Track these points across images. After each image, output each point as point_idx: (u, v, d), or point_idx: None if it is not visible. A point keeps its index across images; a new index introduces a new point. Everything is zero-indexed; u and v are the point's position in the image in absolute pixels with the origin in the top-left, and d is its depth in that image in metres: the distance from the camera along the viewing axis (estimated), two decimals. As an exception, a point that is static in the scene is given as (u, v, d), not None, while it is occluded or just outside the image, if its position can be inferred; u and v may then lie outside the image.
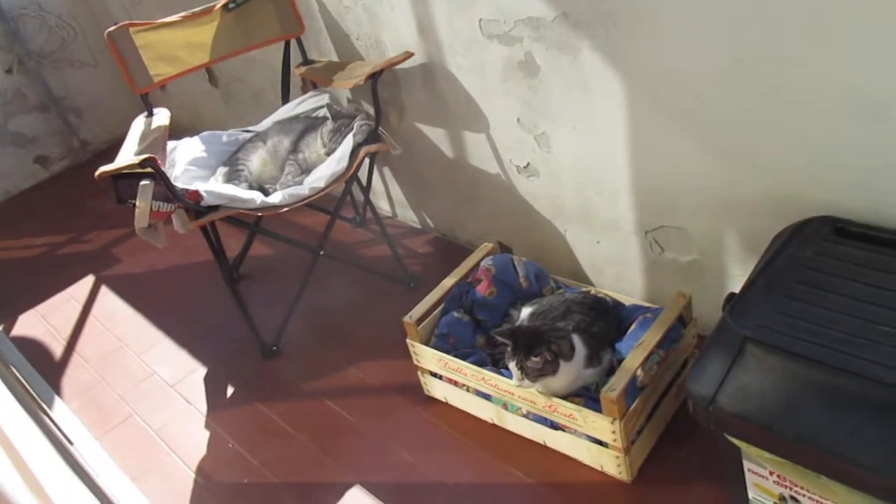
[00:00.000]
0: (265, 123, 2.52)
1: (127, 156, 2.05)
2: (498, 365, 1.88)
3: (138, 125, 2.30)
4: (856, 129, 1.39)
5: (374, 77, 2.17)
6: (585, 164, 1.97)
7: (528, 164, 2.13)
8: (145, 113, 2.35)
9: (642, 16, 1.59)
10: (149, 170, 1.91)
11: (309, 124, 2.38)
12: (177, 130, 2.38)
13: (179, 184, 2.15)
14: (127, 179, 1.97)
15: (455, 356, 1.88)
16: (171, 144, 2.39)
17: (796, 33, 1.37)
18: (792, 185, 1.56)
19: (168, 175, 2.00)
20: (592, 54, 1.75)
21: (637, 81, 1.71)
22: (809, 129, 1.46)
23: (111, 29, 2.22)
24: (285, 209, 2.13)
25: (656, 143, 1.76)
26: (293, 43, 2.51)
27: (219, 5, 2.39)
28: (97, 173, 1.90)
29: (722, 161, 1.66)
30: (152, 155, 1.90)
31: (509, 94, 2.02)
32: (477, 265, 2.10)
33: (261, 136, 2.41)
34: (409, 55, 2.18)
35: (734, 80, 1.51)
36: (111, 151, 2.50)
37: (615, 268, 2.13)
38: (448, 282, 2.07)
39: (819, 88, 1.40)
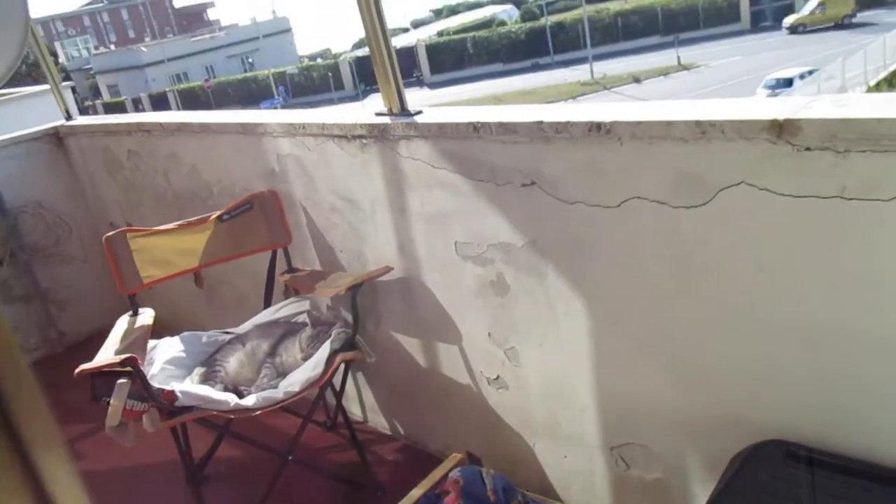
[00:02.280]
0: (246, 326, 2.61)
1: (108, 354, 2.11)
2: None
3: (122, 324, 2.37)
4: (802, 354, 1.51)
5: (354, 288, 2.30)
6: (552, 380, 2.06)
7: (498, 376, 2.21)
8: (130, 312, 2.44)
9: (601, 246, 1.76)
10: (128, 369, 1.96)
11: (288, 329, 2.47)
12: (158, 327, 2.46)
13: (155, 383, 2.18)
14: (104, 377, 2.01)
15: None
16: (151, 343, 2.45)
17: (742, 268, 1.53)
18: (745, 407, 1.64)
19: (145, 374, 2.05)
20: (557, 278, 1.90)
21: (598, 304, 1.84)
22: (758, 353, 1.58)
23: (110, 234, 2.36)
24: (258, 412, 2.16)
25: (617, 362, 1.87)
26: (280, 251, 2.66)
27: (214, 216, 2.57)
28: (77, 371, 1.94)
29: (679, 382, 1.75)
30: (133, 355, 1.96)
31: (481, 310, 2.14)
32: (445, 476, 2.11)
33: (240, 339, 2.48)
34: (388, 269, 2.33)
35: (685, 306, 1.65)
36: (87, 344, 2.55)
37: (582, 482, 2.15)
38: (416, 492, 2.06)
39: (765, 316, 1.54)
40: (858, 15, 36.38)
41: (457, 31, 49.90)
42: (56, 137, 3.91)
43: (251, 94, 43.19)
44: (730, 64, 32.16)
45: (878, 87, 18.40)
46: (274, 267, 2.69)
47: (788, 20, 37.04)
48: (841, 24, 34.82)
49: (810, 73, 20.97)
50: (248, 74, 47.92)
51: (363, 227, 2.41)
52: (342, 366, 2.37)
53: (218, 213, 2.59)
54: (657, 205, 1.61)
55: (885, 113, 1.29)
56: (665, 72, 32.97)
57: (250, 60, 50.80)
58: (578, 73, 36.06)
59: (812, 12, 36.43)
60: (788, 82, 21.24)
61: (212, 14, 76.10)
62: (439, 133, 1.99)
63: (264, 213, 2.62)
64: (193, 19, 71.33)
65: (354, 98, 38.44)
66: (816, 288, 1.45)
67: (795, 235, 1.45)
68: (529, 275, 1.96)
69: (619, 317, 1.81)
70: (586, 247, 1.80)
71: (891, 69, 19.53)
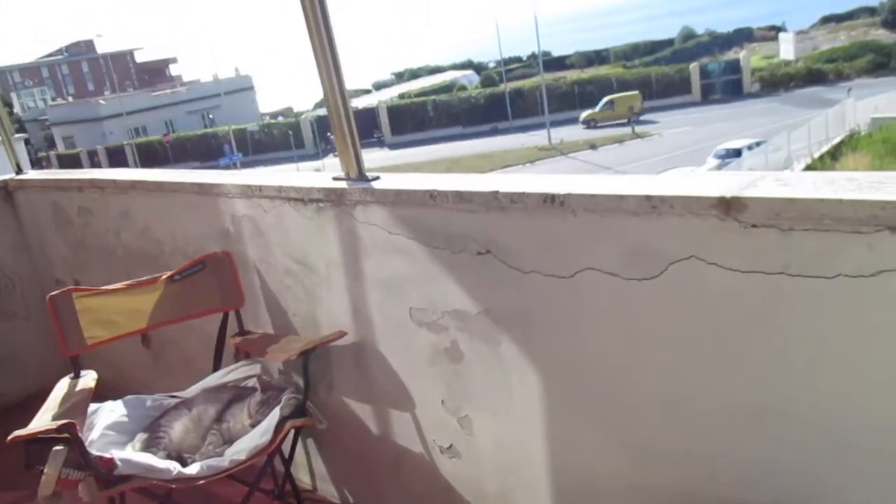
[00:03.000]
0: (193, 390, 2.54)
1: (45, 418, 2.02)
2: None
3: (62, 386, 2.28)
4: (754, 430, 1.52)
5: (306, 353, 2.26)
6: (506, 450, 2.03)
7: (451, 445, 2.18)
8: (72, 374, 2.35)
9: (555, 316, 1.76)
10: (65, 435, 1.88)
11: (237, 394, 2.41)
12: (102, 389, 2.37)
13: (94, 449, 2.09)
14: (40, 443, 1.92)
15: None
16: (92, 406, 2.36)
17: (693, 343, 1.55)
18: (702, 484, 1.64)
19: (84, 440, 1.97)
20: (511, 346, 1.89)
21: (552, 374, 1.84)
22: (712, 429, 1.58)
23: (54, 293, 2.30)
24: (202, 481, 2.08)
25: (571, 434, 1.85)
26: (232, 313, 2.61)
27: (165, 276, 2.52)
28: (10, 437, 1.85)
29: (634, 457, 1.74)
30: (72, 420, 1.88)
31: (435, 378, 2.12)
32: (395, 550, 2.04)
33: (186, 403, 2.41)
34: (342, 334, 2.30)
35: (638, 380, 1.66)
36: (25, 406, 2.44)
37: (535, 557, 2.10)
38: (364, 568, 1.99)
39: (717, 391, 1.55)
40: (799, 91, 38.20)
41: (418, 94, 50.85)
42: (5, 191, 3.83)
43: (210, 149, 43.06)
44: (681, 133, 33.27)
45: (821, 160, 19.19)
46: (225, 329, 2.64)
47: (583, 115, 39.65)
48: (629, 121, 37.18)
49: (758, 144, 21.77)
50: (209, 130, 47.88)
51: (318, 290, 2.39)
52: (292, 432, 2.31)
53: (169, 273, 2.54)
54: (610, 276, 1.63)
55: (825, 193, 1.33)
56: (620, 139, 33.92)
57: (211, 116, 50.82)
58: (536, 138, 36.87)
59: (602, 109, 39.17)
60: (737, 152, 21.98)
61: (174, 70, 76.12)
62: (396, 200, 2.00)
63: (217, 274, 2.57)
64: (155, 74, 71.36)
65: (315, 157, 38.57)
66: (766, 364, 1.47)
67: (744, 310, 1.47)
68: (483, 343, 1.95)
69: (572, 388, 1.81)
70: (540, 316, 1.80)
71: (833, 143, 20.40)
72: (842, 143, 20.36)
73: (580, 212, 1.63)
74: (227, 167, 34.18)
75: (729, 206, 1.42)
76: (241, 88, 53.10)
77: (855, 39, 47.45)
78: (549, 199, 1.66)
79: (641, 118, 36.85)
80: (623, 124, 36.85)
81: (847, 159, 18.49)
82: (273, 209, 2.40)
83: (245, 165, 38.96)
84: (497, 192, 1.75)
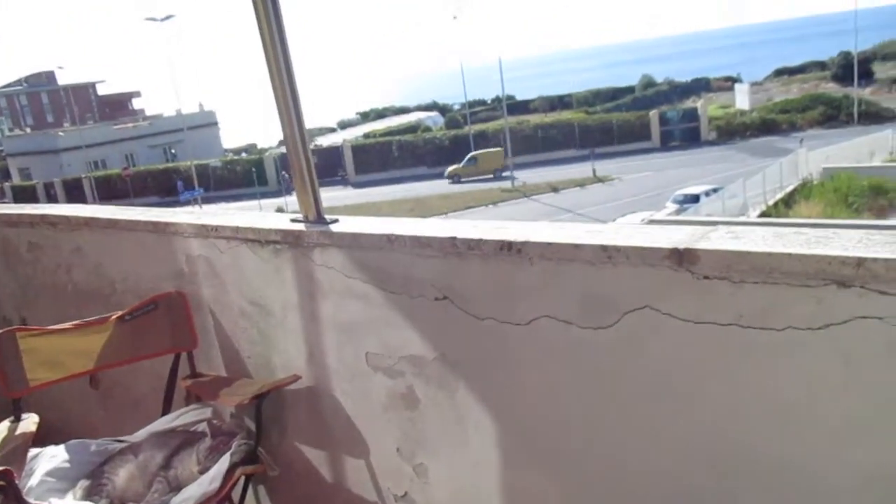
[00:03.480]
0: (140, 434, 2.45)
1: (-19, 466, 1.93)
2: None
3: (1, 431, 2.19)
4: (710, 477, 1.52)
5: (259, 397, 2.21)
6: (462, 499, 1.99)
7: (406, 493, 2.14)
8: (11, 417, 2.26)
9: (511, 363, 1.76)
10: (1, 483, 1.80)
11: (186, 439, 2.34)
12: (45, 432, 2.28)
13: (32, 498, 2.01)
14: (-26, 492, 1.84)
15: None
16: (33, 452, 2.27)
17: (647, 391, 1.55)
18: (652, 533, 1.63)
19: (22, 488, 1.88)
20: (468, 393, 1.87)
21: (507, 422, 1.82)
22: (669, 476, 1.58)
23: (-2, 332, 2.22)
24: (145, 532, 2.00)
25: (527, 483, 1.83)
26: (184, 355, 2.55)
27: (115, 316, 2.45)
28: (-59, 486, 1.77)
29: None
30: (8, 467, 1.81)
31: (390, 424, 2.08)
32: None
33: (133, 449, 2.33)
34: (296, 378, 2.26)
35: (594, 428, 1.65)
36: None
37: None
38: None
39: (673, 439, 1.55)
40: (754, 140, 39.37)
41: (383, 134, 51.15)
42: (-48, 225, 3.71)
43: (171, 184, 42.58)
44: (642, 178, 33.93)
45: (775, 207, 19.71)
46: (176, 371, 2.57)
47: (448, 170, 40.37)
48: (494, 178, 38.21)
49: (715, 190, 22.30)
50: (170, 165, 47.41)
51: (273, 333, 2.35)
52: (242, 479, 2.25)
53: (120, 313, 2.48)
54: (565, 325, 1.63)
55: (774, 247, 1.36)
56: (581, 183, 34.45)
57: (173, 151, 50.38)
58: (499, 179, 37.31)
59: (466, 165, 40.17)
60: (695, 198, 22.48)
61: (137, 103, 75.39)
62: (354, 243, 1.99)
63: (170, 314, 2.52)
64: (117, 107, 70.62)
65: (277, 194, 38.38)
66: (719, 414, 1.48)
67: (697, 361, 1.48)
68: (440, 389, 1.93)
69: (528, 436, 1.80)
70: (496, 363, 1.79)
71: (787, 190, 21.00)
72: (795, 191, 20.97)
73: (537, 260, 1.64)
74: (187, 202, 33.78)
75: (682, 258, 1.43)
76: (205, 124, 52.84)
77: (807, 92, 49.25)
78: (507, 247, 1.66)
79: (601, 157, 37.46)
80: (488, 179, 37.77)
81: (800, 207, 19.02)
82: (229, 249, 2.37)
83: (206, 201, 38.58)
84: (455, 238, 1.75)
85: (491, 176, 38.41)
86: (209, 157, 47.18)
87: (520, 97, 70.29)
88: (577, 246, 1.56)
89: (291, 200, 32.55)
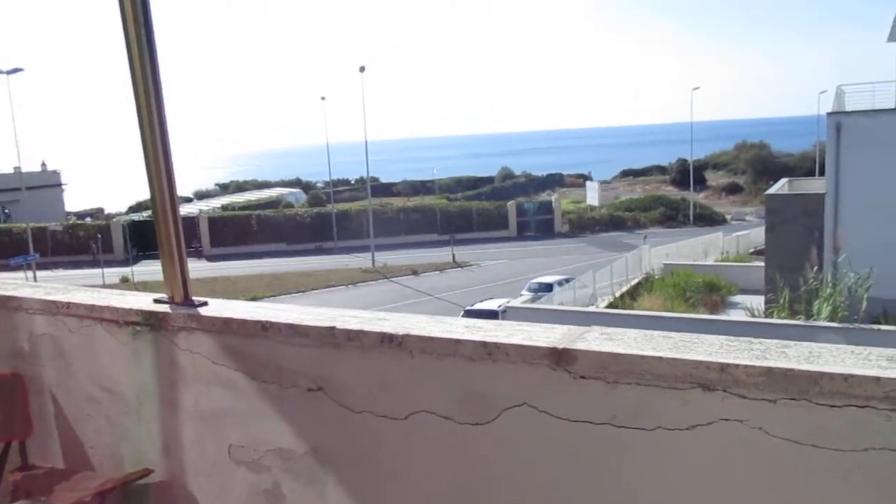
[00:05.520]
0: (-46, 536, 2.16)
1: None
2: None
3: None
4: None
5: (103, 493, 2.02)
6: None
7: None
8: None
9: (386, 458, 1.72)
10: None
11: (12, 542, 2.08)
12: None
13: None
14: None
15: None
16: None
17: (521, 489, 1.55)
18: None
19: None
20: (338, 489, 1.80)
21: (380, 521, 1.76)
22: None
23: None
24: None
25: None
26: (15, 444, 2.29)
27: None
28: None
29: None
30: None
31: (251, 523, 1.95)
32: None
33: (-56, 554, 2.04)
34: (148, 472, 2.08)
35: (468, 529, 1.63)
36: None
37: None
38: None
39: None
40: (603, 234, 41.98)
41: (242, 207, 50.01)
42: None
43: (2, 246, 39.22)
44: (499, 265, 35.03)
45: (622, 299, 20.88)
46: (4, 462, 2.30)
47: None
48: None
49: (567, 280, 23.39)
50: (1, 226, 43.80)
51: (123, 421, 2.16)
52: (75, 588, 2.01)
53: (-58, 395, 2.20)
54: (444, 420, 1.62)
55: (645, 350, 1.43)
56: (441, 268, 35.06)
57: (7, 211, 46.69)
58: (361, 260, 37.25)
59: None
60: (549, 287, 23.44)
61: (-30, 158, 69.62)
62: (224, 328, 1.90)
63: (1, 398, 2.27)
64: (-54, 161, 64.85)
65: (124, 263, 36.23)
66: None
67: (572, 459, 1.51)
68: (308, 485, 1.84)
69: (400, 536, 1.74)
70: (371, 458, 1.74)
71: (632, 283, 22.37)
72: (639, 284, 22.35)
73: (417, 353, 1.63)
74: (17, 267, 31.03)
75: (560, 357, 1.47)
76: (47, 184, 49.55)
77: (649, 193, 53.50)
78: (388, 339, 1.64)
79: (460, 243, 38.38)
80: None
81: (644, 299, 20.24)
82: (81, 329, 2.19)
83: (42, 267, 35.73)
84: (334, 329, 1.71)
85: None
86: (50, 219, 44.08)
87: (384, 179, 71.42)
88: (458, 341, 1.57)
89: (138, 270, 30.81)
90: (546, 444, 1.52)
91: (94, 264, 34.07)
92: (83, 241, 40.87)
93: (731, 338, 1.47)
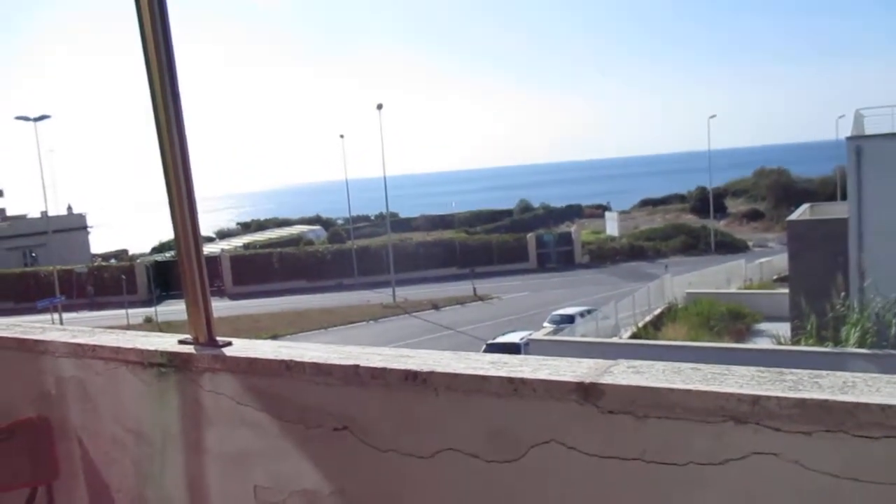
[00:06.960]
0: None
1: None
2: None
3: None
4: None
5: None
6: None
7: None
8: None
9: (412, 498, 1.69)
10: None
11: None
12: None
13: None
14: None
15: None
16: None
17: (549, 531, 1.52)
18: None
19: None
20: (365, 531, 1.77)
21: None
22: None
23: None
24: None
25: None
26: (42, 489, 2.30)
27: (-36, 445, 2.19)
28: None
29: None
30: None
31: (277, 566, 1.93)
32: None
33: None
34: (173, 515, 2.07)
35: (498, 570, 1.59)
36: None
37: None
38: None
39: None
40: (624, 264, 41.75)
41: (263, 245, 50.43)
42: None
43: (29, 290, 39.76)
44: (520, 298, 34.91)
45: (645, 329, 20.68)
46: (31, 507, 2.30)
47: None
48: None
49: (589, 311, 23.24)
50: (28, 269, 44.45)
51: (149, 464, 2.16)
52: None
53: (-29, 440, 2.22)
54: (470, 458, 1.60)
55: (674, 383, 1.41)
56: (462, 301, 34.99)
57: (34, 255, 47.42)
58: (381, 295, 37.31)
59: None
60: (570, 319, 23.29)
61: (-2, 203, 70.85)
62: (249, 369, 1.90)
63: (29, 443, 2.28)
64: (-27, 207, 66.12)
65: (147, 303, 36.58)
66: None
67: (601, 495, 1.48)
68: (335, 526, 1.82)
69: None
70: (397, 497, 1.72)
71: (655, 313, 22.17)
72: (662, 314, 22.15)
73: (442, 391, 1.61)
74: (44, 310, 31.45)
75: (587, 392, 1.45)
76: (73, 227, 50.36)
77: (669, 222, 53.25)
78: (412, 377, 1.63)
79: (480, 276, 38.30)
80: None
81: (668, 329, 20.04)
82: (107, 371, 2.20)
83: (68, 309, 36.17)
84: (358, 367, 1.70)
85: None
86: (76, 262, 44.69)
87: (403, 214, 71.81)
88: (484, 378, 1.56)
89: (162, 310, 31.08)
90: (575, 480, 1.49)
91: (119, 305, 34.39)
92: (108, 283, 41.37)
93: (762, 369, 1.44)
